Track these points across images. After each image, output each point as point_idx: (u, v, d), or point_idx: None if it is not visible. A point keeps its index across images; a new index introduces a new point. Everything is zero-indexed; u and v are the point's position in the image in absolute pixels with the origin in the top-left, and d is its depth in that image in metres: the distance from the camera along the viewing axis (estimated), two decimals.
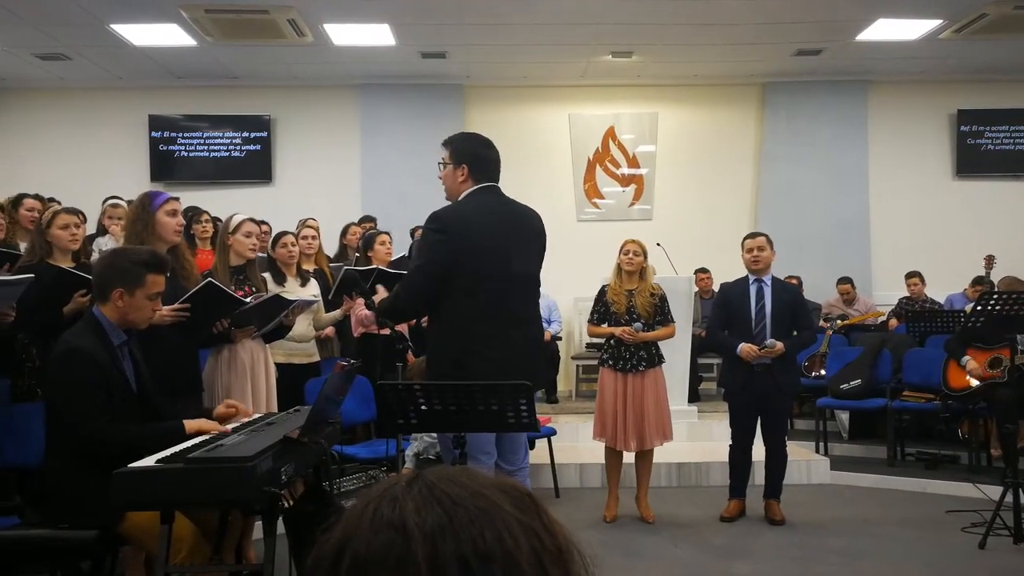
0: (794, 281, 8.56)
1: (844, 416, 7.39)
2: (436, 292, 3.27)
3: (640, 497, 5.24)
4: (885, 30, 8.01)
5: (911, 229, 9.59)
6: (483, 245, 3.27)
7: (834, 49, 8.63)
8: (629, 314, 5.11)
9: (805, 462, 6.35)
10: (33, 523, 3.07)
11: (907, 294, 8.47)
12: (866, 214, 9.61)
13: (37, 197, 5.51)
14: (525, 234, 3.45)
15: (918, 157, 9.74)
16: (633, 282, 5.20)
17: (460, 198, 3.40)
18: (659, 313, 5.16)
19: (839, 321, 8.24)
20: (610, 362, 5.16)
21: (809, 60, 8.98)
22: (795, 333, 5.16)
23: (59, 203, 5.39)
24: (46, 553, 3.19)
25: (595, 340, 5.98)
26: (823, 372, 7.28)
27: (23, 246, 4.72)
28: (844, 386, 6.79)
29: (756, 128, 9.81)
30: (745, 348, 5.00)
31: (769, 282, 5.17)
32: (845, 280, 8.72)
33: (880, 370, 6.85)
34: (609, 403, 5.13)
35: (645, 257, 5.24)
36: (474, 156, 3.42)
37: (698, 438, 6.80)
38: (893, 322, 8.33)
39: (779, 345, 4.96)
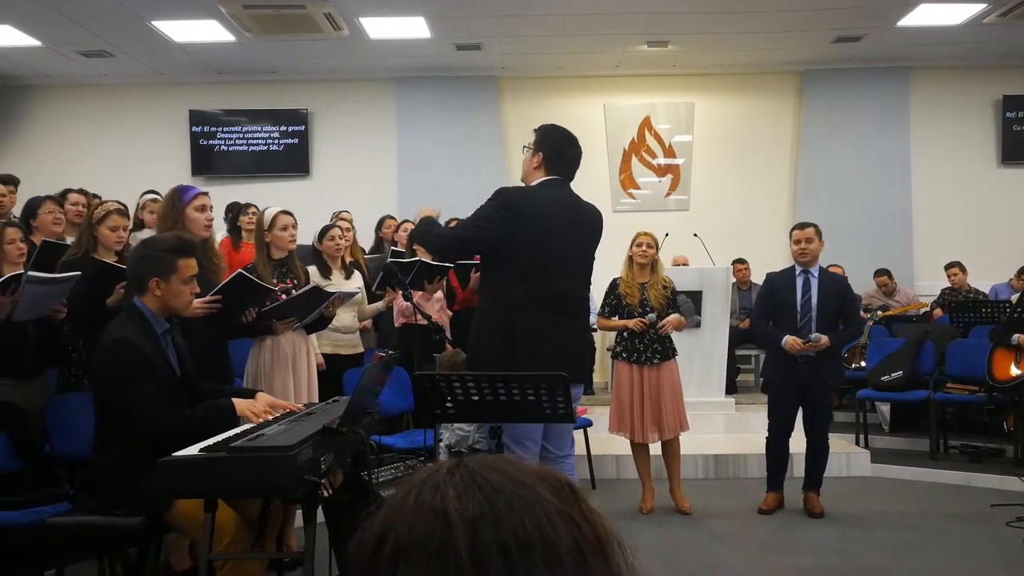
0: (838, 270, 8.47)
1: (885, 408, 7.28)
2: (477, 249, 3.39)
3: (674, 488, 5.23)
4: (927, 15, 7.85)
5: (955, 218, 9.40)
6: (541, 231, 3.31)
7: (875, 35, 8.47)
8: (642, 306, 5.09)
9: (845, 455, 6.28)
10: (82, 510, 3.14)
11: (949, 285, 8.32)
12: (908, 203, 9.43)
13: (82, 192, 5.62)
14: (585, 229, 3.50)
15: (962, 145, 9.53)
16: (645, 274, 5.18)
17: (531, 184, 3.46)
18: (671, 305, 5.16)
19: (879, 312, 8.11)
20: (624, 355, 5.15)
21: (849, 47, 8.83)
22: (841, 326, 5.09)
23: (100, 197, 5.50)
24: (94, 539, 3.28)
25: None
26: (863, 363, 7.18)
27: (69, 239, 4.82)
28: (885, 378, 6.69)
29: (794, 117, 9.68)
30: (790, 341, 4.93)
31: (816, 274, 5.09)
32: (882, 272, 8.58)
33: (923, 361, 6.74)
34: (625, 396, 5.13)
35: (657, 249, 5.21)
36: (553, 147, 3.47)
37: (735, 430, 6.75)
38: (937, 312, 8.19)
39: (824, 339, 4.88)
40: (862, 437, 6.77)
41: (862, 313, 8.13)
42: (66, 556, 3.67)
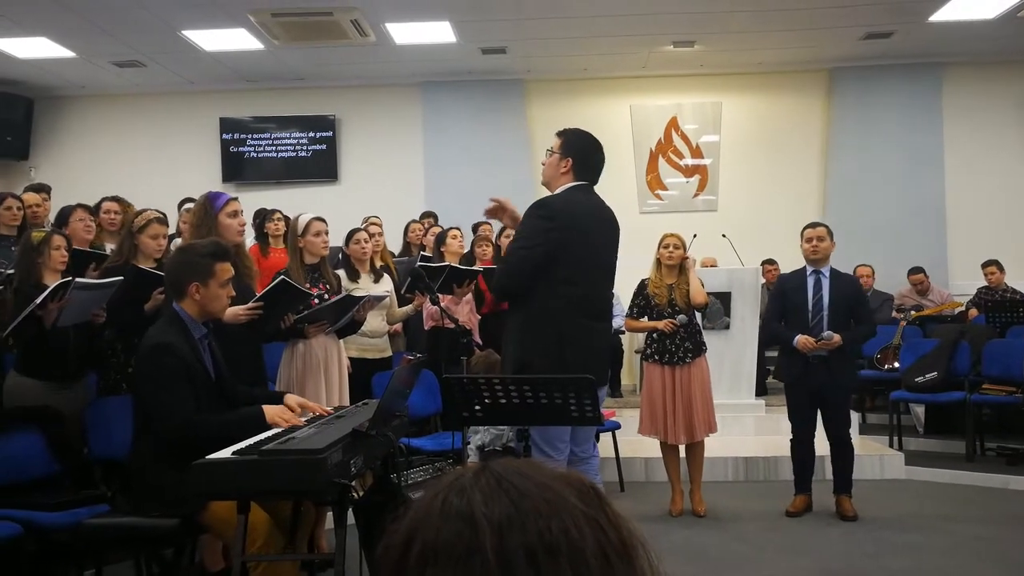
0: (868, 270, 8.39)
1: (919, 410, 7.19)
2: (535, 274, 3.26)
3: (694, 491, 5.21)
4: (960, 9, 7.73)
5: (990, 216, 9.23)
6: (583, 238, 3.32)
7: (906, 31, 8.37)
8: (671, 308, 5.08)
9: (878, 457, 6.21)
10: (120, 511, 3.21)
11: (985, 283, 8.18)
12: (942, 201, 9.29)
13: (116, 199, 5.71)
14: (610, 231, 3.52)
15: (997, 141, 9.37)
16: (673, 276, 5.17)
17: (558, 190, 3.44)
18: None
19: (913, 312, 8.01)
20: (655, 356, 5.15)
21: (879, 43, 8.73)
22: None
23: (133, 205, 5.59)
24: (131, 540, 3.34)
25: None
26: (896, 364, 7.10)
27: (108, 247, 4.91)
28: (919, 379, 6.61)
29: (824, 115, 9.59)
30: (802, 340, 4.93)
31: (828, 273, 5.08)
32: (917, 270, 8.46)
33: (958, 362, 6.64)
34: (658, 397, 5.12)
35: (685, 250, 5.20)
36: (582, 153, 3.47)
37: (765, 432, 6.70)
38: (973, 312, 8.07)
39: (836, 337, 4.87)
40: (896, 439, 6.69)
41: (894, 313, 8.04)
42: (104, 556, 3.74)
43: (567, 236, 3.28)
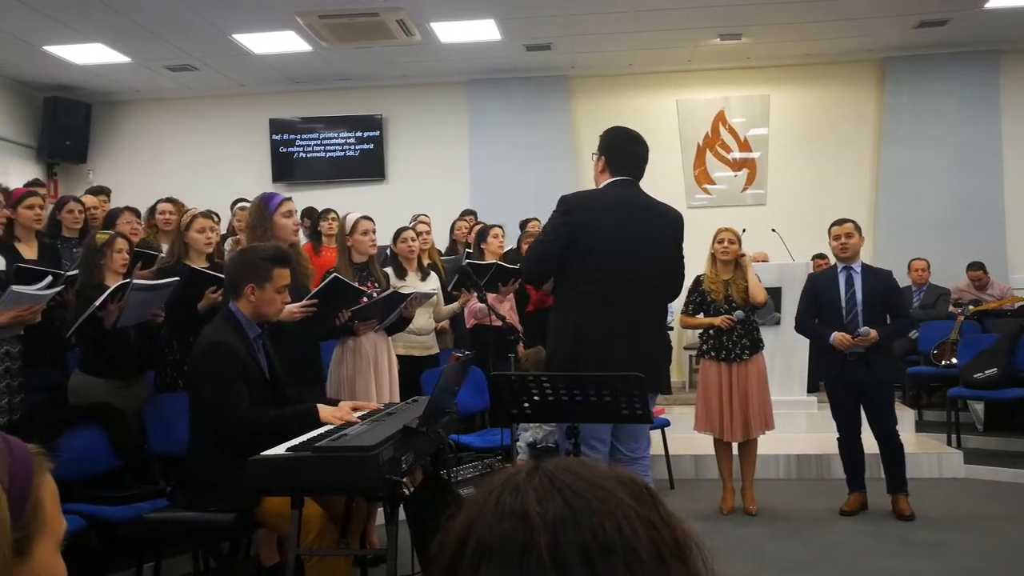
0: (923, 264, 8.21)
1: (979, 407, 7.01)
2: (554, 265, 3.35)
3: (745, 489, 5.16)
4: None
5: None
6: (604, 234, 3.28)
7: (961, 18, 8.15)
8: (727, 303, 5.03)
9: (936, 455, 6.08)
10: (178, 506, 3.29)
11: None
12: (999, 192, 9.03)
13: (170, 200, 5.85)
14: (655, 229, 3.40)
15: None
16: (728, 271, 5.12)
17: (599, 187, 3.46)
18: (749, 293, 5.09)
19: (971, 307, 7.81)
20: (712, 353, 5.10)
21: (933, 32, 8.52)
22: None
23: (183, 204, 5.72)
24: (190, 534, 3.42)
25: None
26: (954, 360, 6.93)
27: (165, 247, 5.04)
28: (978, 375, 6.44)
29: (875, 106, 9.40)
30: (838, 337, 4.86)
31: (859, 269, 5.01)
32: (976, 266, 8.24)
33: (1019, 357, 6.45)
34: (714, 394, 5.07)
35: (740, 245, 5.14)
36: (614, 148, 3.46)
37: (818, 429, 6.59)
38: None
39: (873, 333, 4.80)
40: (954, 437, 6.53)
41: (951, 308, 7.86)
42: (163, 549, 3.84)
43: (582, 230, 3.27)
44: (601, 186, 3.45)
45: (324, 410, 3.10)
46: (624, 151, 3.45)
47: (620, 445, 3.40)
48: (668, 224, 3.47)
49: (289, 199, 4.01)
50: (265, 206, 3.91)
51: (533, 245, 3.53)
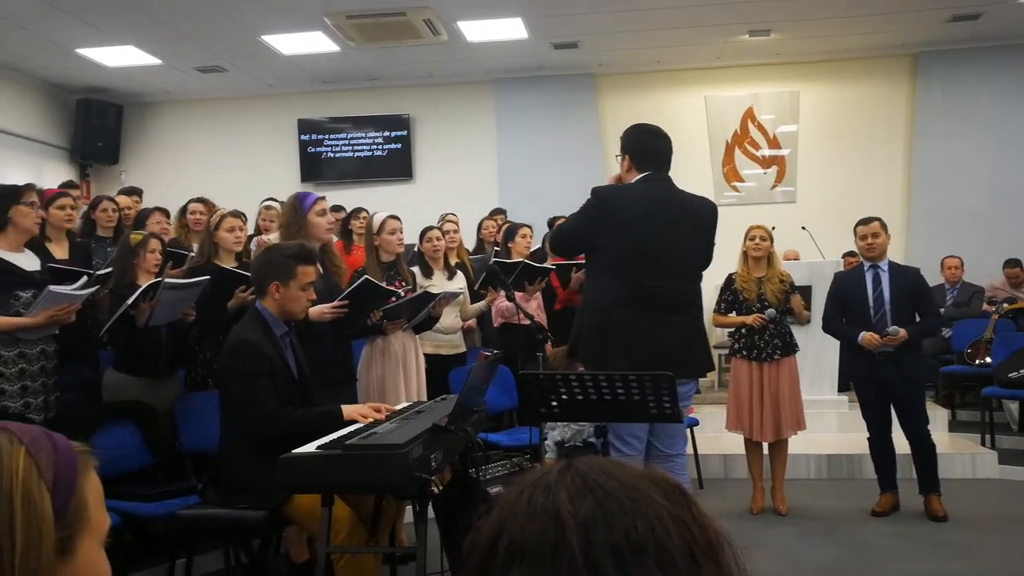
0: (956, 261, 8.09)
1: (1013, 406, 6.90)
2: (577, 246, 3.61)
3: (775, 488, 5.12)
4: None
5: None
6: (630, 228, 3.28)
7: (994, 12, 8.02)
8: (760, 302, 4.99)
9: (970, 455, 5.99)
10: (209, 503, 3.32)
11: None
12: None
13: (201, 200, 5.91)
14: (688, 223, 3.38)
15: None
16: (761, 269, 5.07)
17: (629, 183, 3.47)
18: (789, 300, 5.04)
19: (1005, 305, 7.68)
20: (744, 352, 5.06)
21: (966, 26, 8.39)
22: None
23: (214, 204, 5.78)
24: (221, 531, 3.46)
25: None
26: (988, 360, 6.82)
27: (195, 247, 5.09)
28: (1013, 374, 6.33)
29: (907, 102, 9.27)
30: (867, 336, 4.81)
31: (886, 267, 4.94)
32: (1013, 263, 8.10)
33: None
34: (745, 393, 5.03)
35: (771, 242, 5.09)
36: (636, 145, 3.46)
37: (849, 429, 6.52)
38: None
39: (902, 332, 4.74)
40: (988, 437, 6.43)
41: (986, 306, 7.73)
42: (195, 545, 3.88)
43: (608, 222, 3.28)
44: (632, 182, 3.44)
45: (348, 409, 3.12)
46: (646, 147, 3.44)
47: (657, 442, 3.38)
48: (699, 219, 3.45)
49: (323, 198, 4.04)
50: (300, 205, 3.94)
51: (563, 222, 3.69)
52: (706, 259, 3.51)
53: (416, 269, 5.03)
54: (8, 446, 0.83)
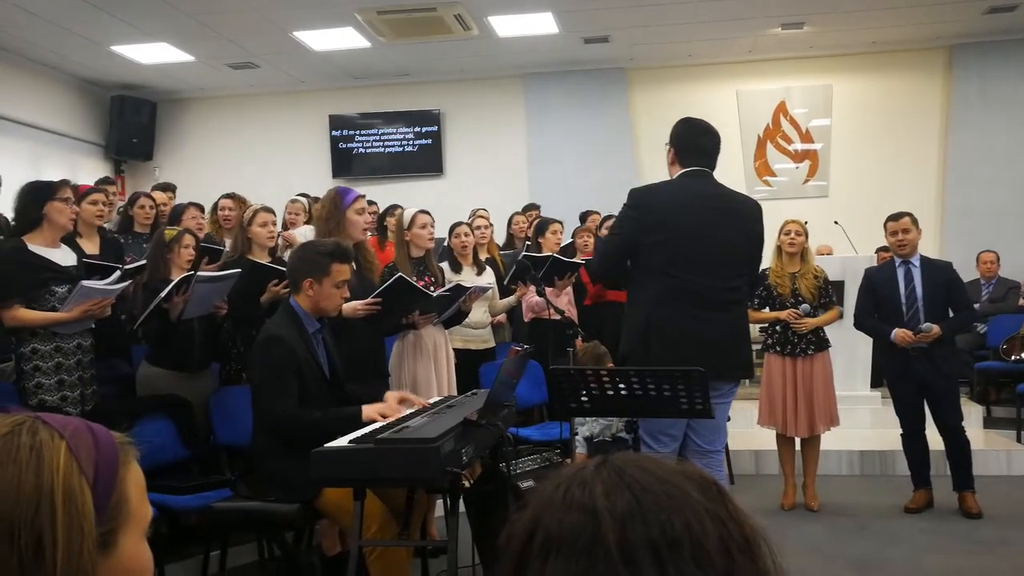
0: (992, 256, 7.96)
1: None
2: (619, 260, 3.38)
3: (807, 484, 5.08)
4: None
5: None
6: (672, 225, 3.25)
7: None
8: (794, 297, 4.94)
9: (1005, 452, 5.90)
10: (243, 496, 3.37)
11: None
12: None
13: (232, 196, 5.97)
14: (729, 220, 3.35)
15: None
16: (795, 264, 5.02)
17: (670, 179, 3.46)
18: (824, 295, 4.99)
19: None
20: (777, 347, 5.02)
21: (1003, 17, 8.24)
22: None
23: (245, 200, 5.83)
24: (254, 523, 3.51)
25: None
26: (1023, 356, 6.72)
27: (226, 243, 5.14)
28: None
29: (943, 95, 9.13)
30: (900, 334, 4.75)
31: (918, 263, 4.87)
32: None
33: None
34: (778, 389, 4.99)
35: (806, 237, 5.04)
36: (683, 139, 3.43)
37: (881, 425, 6.44)
38: None
39: (936, 328, 4.68)
40: (1023, 434, 6.33)
41: (1022, 301, 7.61)
42: (229, 537, 3.94)
43: (648, 222, 3.25)
44: (672, 178, 3.42)
45: (367, 410, 3.10)
46: (693, 142, 3.41)
47: (696, 438, 3.35)
48: (742, 213, 3.41)
49: (363, 197, 4.07)
50: (340, 200, 3.97)
51: (598, 242, 3.55)
52: (750, 257, 3.45)
53: (445, 264, 5.05)
54: (50, 442, 0.83)
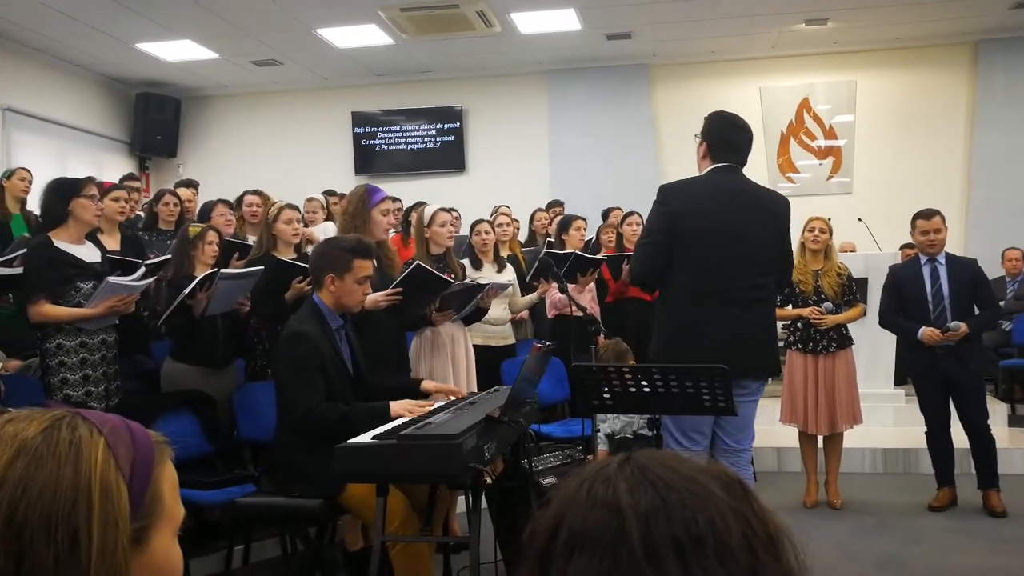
0: (1017, 254, 7.87)
1: None
2: (661, 263, 3.27)
3: (830, 482, 5.06)
4: None
5: None
6: (703, 221, 3.23)
7: None
8: (817, 295, 4.91)
9: None
10: (266, 491, 3.40)
11: None
12: None
13: (257, 193, 6.01)
14: (758, 217, 3.32)
15: None
16: (819, 261, 4.99)
17: (700, 174, 3.43)
18: (847, 293, 4.95)
19: None
20: (799, 345, 4.99)
21: None
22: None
23: (269, 196, 5.86)
24: (278, 518, 3.54)
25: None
26: None
27: (250, 239, 5.18)
28: None
29: (968, 91, 9.02)
30: (927, 332, 4.71)
31: (944, 261, 4.82)
32: None
33: None
34: (799, 386, 4.97)
35: (831, 235, 5.00)
36: (716, 134, 3.39)
37: (905, 423, 6.39)
38: None
39: (963, 326, 4.65)
40: None
41: None
42: (252, 532, 3.97)
43: (680, 219, 3.23)
44: (702, 173, 3.40)
45: (395, 406, 3.11)
46: (725, 137, 3.38)
47: (723, 435, 3.33)
48: (771, 210, 3.38)
49: (390, 198, 4.09)
50: (368, 198, 4.00)
51: (636, 245, 3.52)
52: (778, 254, 3.41)
53: (466, 261, 5.06)
54: (88, 437, 0.83)
